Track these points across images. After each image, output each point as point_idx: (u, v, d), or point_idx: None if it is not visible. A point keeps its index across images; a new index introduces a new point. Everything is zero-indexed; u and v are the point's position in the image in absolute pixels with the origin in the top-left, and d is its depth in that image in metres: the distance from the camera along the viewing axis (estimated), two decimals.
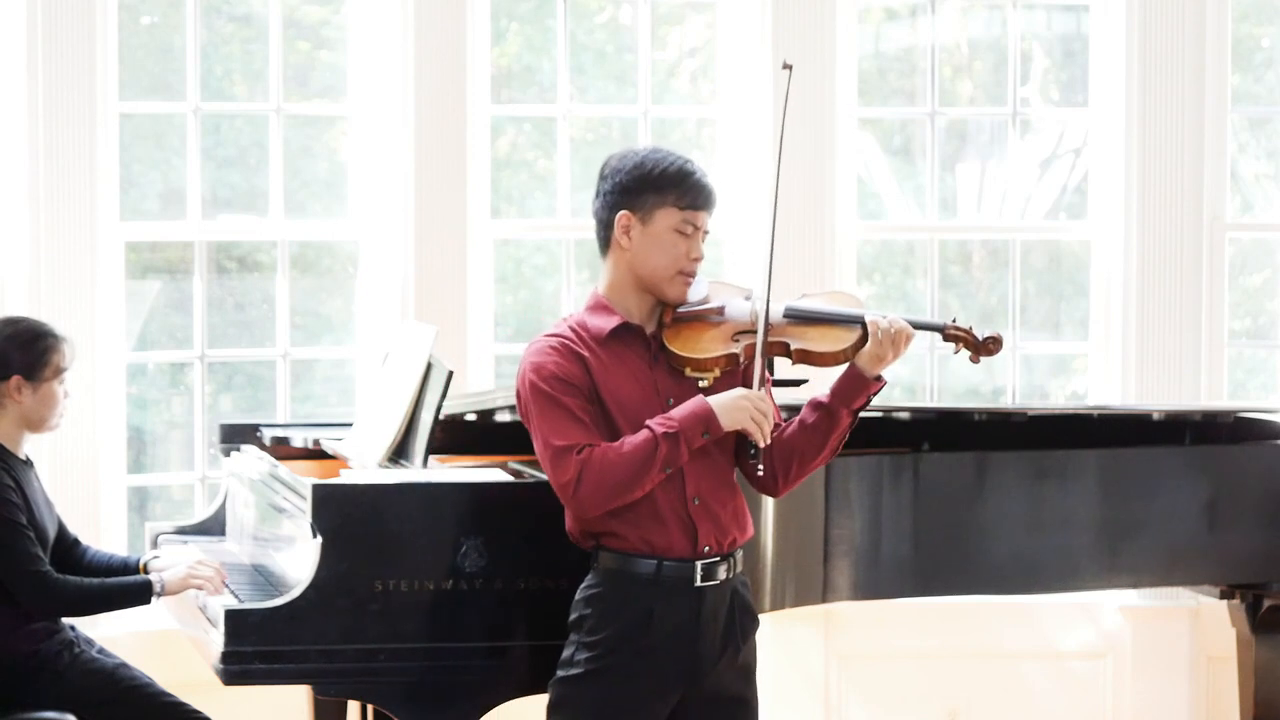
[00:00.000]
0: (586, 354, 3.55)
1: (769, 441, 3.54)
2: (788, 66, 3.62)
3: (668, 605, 3.54)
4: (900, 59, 6.45)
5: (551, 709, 3.61)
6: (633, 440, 3.49)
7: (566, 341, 3.56)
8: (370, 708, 4.64)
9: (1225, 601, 5.16)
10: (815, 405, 3.61)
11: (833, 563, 4.55)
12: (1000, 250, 6.36)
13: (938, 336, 3.72)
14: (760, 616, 4.38)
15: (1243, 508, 4.96)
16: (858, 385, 3.58)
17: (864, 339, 3.59)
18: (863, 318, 3.60)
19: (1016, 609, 5.88)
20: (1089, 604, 5.96)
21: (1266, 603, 5.05)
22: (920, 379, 6.24)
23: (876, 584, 4.65)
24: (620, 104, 6.17)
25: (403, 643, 3.78)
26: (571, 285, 5.95)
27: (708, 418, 3.49)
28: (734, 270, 5.96)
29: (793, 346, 3.61)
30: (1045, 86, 6.47)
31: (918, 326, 3.64)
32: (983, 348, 3.68)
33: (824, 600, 4.59)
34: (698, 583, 3.55)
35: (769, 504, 4.26)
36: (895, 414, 4.86)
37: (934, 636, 5.93)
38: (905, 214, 6.53)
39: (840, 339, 3.60)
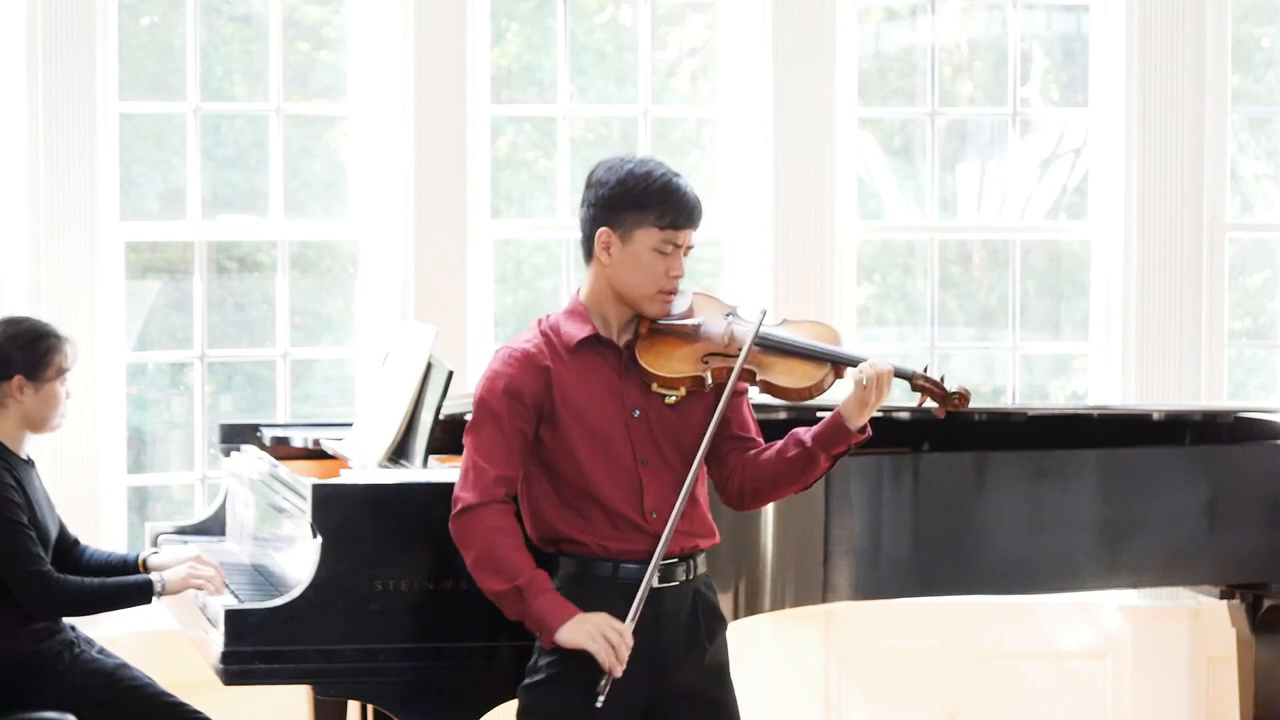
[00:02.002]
0: (551, 365, 3.55)
1: (618, 674, 3.44)
2: (763, 311, 3.60)
3: (623, 609, 3.50)
4: (900, 59, 6.45)
5: (519, 715, 3.62)
6: (517, 557, 3.50)
7: (531, 353, 3.56)
8: (370, 708, 4.64)
9: (1225, 601, 5.16)
10: (797, 441, 3.57)
11: (833, 563, 4.55)
12: (1000, 250, 6.36)
13: (910, 377, 3.59)
14: (760, 616, 4.39)
15: (1243, 508, 4.96)
16: (839, 434, 3.53)
17: (833, 377, 3.54)
18: (835, 356, 3.56)
19: (1016, 609, 5.88)
20: (1089, 604, 5.96)
21: (1266, 603, 5.05)
22: None
23: (876, 584, 4.65)
24: (620, 104, 6.17)
25: (402, 643, 3.78)
26: (571, 285, 5.95)
27: (548, 627, 3.46)
28: (732, 270, 5.96)
29: (759, 376, 3.57)
30: (1045, 86, 6.47)
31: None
32: (949, 401, 3.57)
33: (824, 600, 4.59)
34: (655, 584, 3.52)
35: (769, 504, 4.26)
36: (895, 414, 4.86)
37: (934, 636, 5.93)
38: (905, 214, 6.53)
39: (807, 375, 3.55)
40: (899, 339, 6.55)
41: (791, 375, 3.56)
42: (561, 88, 5.96)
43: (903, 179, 6.54)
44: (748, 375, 3.57)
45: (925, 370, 3.60)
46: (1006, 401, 6.15)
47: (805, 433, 3.57)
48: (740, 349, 3.55)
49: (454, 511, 3.55)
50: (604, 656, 3.44)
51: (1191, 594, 5.69)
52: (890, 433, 4.91)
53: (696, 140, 6.26)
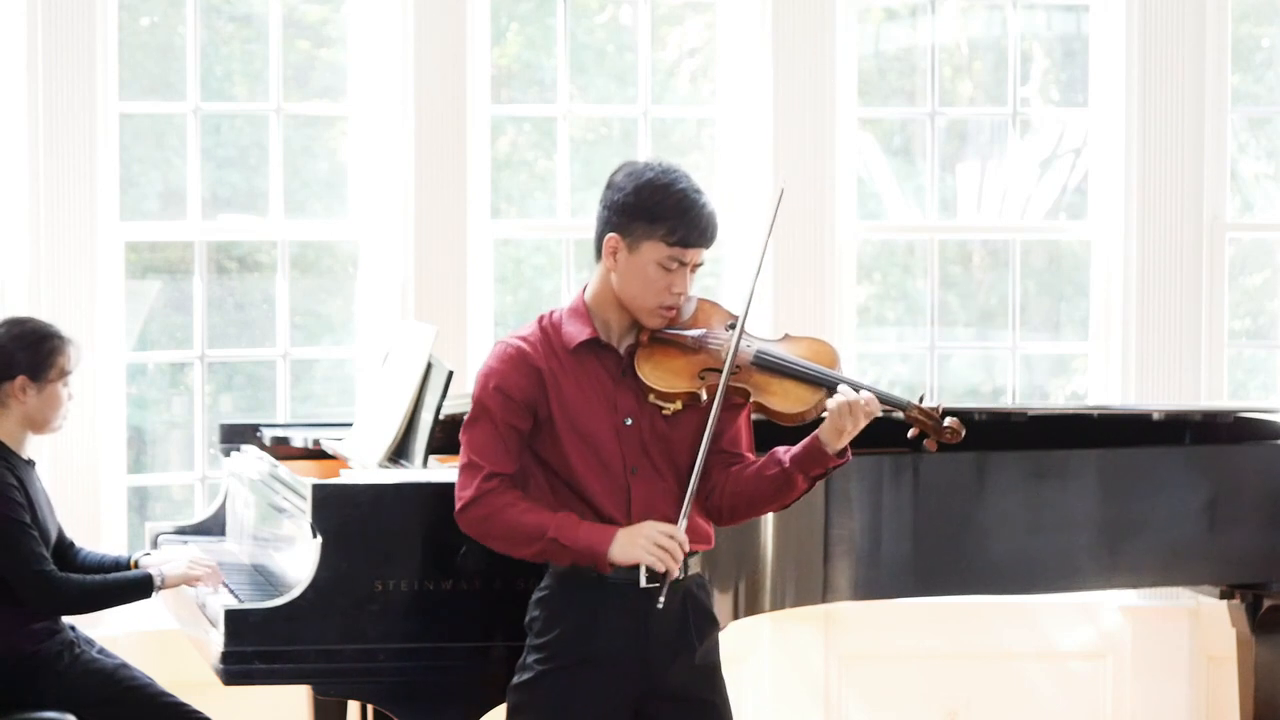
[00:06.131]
0: (543, 366, 3.55)
1: (676, 574, 3.46)
2: (781, 191, 3.61)
3: (612, 608, 3.52)
4: (900, 59, 6.45)
5: (509, 714, 3.62)
6: (534, 516, 3.49)
7: (525, 351, 3.56)
8: (370, 708, 4.64)
9: (1225, 601, 5.16)
10: (776, 460, 3.54)
11: (833, 563, 4.55)
12: (1000, 250, 6.36)
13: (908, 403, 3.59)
14: (760, 616, 4.38)
15: (1243, 508, 4.96)
16: (817, 457, 3.50)
17: (826, 403, 3.48)
18: (831, 380, 3.51)
19: (1016, 609, 5.88)
20: (1089, 604, 5.96)
21: (1266, 603, 5.05)
22: (920, 379, 6.25)
23: (877, 584, 4.65)
24: (620, 104, 6.17)
25: (402, 643, 3.78)
26: (571, 285, 5.95)
27: (598, 554, 3.47)
28: (732, 270, 5.96)
29: (752, 398, 3.54)
30: (1045, 86, 6.47)
31: (883, 401, 3.53)
32: (941, 434, 3.55)
33: (824, 600, 4.59)
34: (642, 584, 3.52)
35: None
36: (895, 414, 4.86)
37: (934, 636, 5.93)
38: (905, 214, 6.53)
39: (801, 400, 3.51)
40: (899, 339, 6.55)
41: (786, 399, 3.52)
42: (561, 87, 5.96)
43: (903, 179, 6.54)
44: (742, 395, 3.54)
45: (921, 400, 3.57)
46: (1006, 401, 6.15)
47: (785, 452, 3.54)
48: (739, 364, 3.52)
49: (458, 510, 3.55)
50: (662, 566, 3.44)
51: (1191, 594, 5.69)
52: (890, 433, 4.91)
53: (696, 140, 6.26)
